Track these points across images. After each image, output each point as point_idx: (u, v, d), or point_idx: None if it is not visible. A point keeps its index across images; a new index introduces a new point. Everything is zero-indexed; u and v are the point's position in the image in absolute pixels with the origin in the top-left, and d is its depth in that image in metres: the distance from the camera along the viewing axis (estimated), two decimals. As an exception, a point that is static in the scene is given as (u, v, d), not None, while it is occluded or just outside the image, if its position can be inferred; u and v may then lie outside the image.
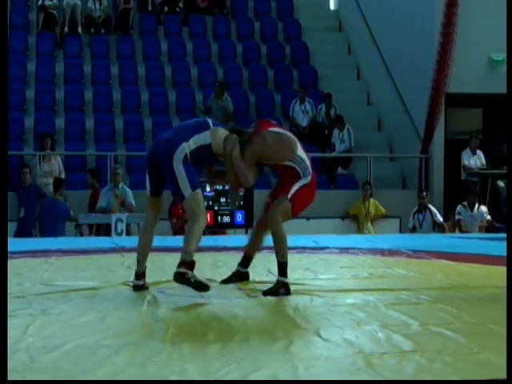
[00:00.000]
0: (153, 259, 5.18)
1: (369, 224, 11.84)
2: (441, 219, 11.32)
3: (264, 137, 4.87)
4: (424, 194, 11.50)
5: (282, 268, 4.86)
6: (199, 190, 4.75)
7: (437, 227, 11.27)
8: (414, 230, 11.32)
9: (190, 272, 4.54)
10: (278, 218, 4.83)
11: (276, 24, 16.38)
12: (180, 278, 4.57)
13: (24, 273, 5.80)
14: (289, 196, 4.83)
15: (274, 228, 4.85)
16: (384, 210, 11.91)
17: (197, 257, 4.72)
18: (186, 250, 4.61)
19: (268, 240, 5.11)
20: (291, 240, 7.46)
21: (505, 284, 5.37)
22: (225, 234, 10.46)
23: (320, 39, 16.00)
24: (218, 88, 13.44)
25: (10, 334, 3.70)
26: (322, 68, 15.21)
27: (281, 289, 4.79)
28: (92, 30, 15.25)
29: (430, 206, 11.37)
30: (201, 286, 4.60)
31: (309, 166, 4.90)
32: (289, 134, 5.09)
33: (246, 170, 4.81)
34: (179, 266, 4.58)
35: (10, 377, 2.99)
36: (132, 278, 5.01)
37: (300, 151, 4.90)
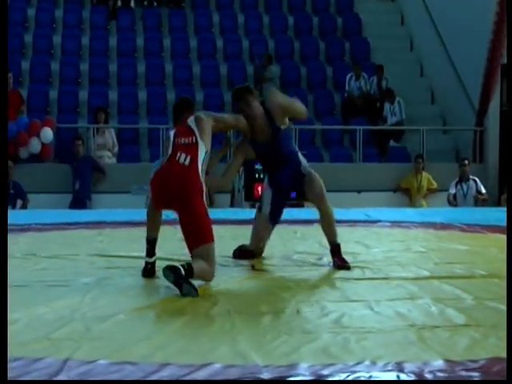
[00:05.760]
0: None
1: (421, 198, 11.68)
2: (484, 190, 11.00)
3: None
4: (466, 162, 11.12)
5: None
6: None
7: (480, 199, 10.95)
8: (453, 199, 10.91)
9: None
10: None
11: (328, -5, 16.19)
12: None
13: (79, 243, 5.91)
14: None
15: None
16: (436, 185, 11.71)
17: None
18: None
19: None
20: (342, 213, 7.43)
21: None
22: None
23: (372, 10, 15.75)
24: (264, 60, 13.51)
25: (66, 303, 3.79)
26: (374, 39, 14.98)
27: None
28: (145, 3, 15.37)
29: (474, 177, 11.06)
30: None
31: None
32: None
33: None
34: None
35: (65, 345, 3.05)
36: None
37: None
